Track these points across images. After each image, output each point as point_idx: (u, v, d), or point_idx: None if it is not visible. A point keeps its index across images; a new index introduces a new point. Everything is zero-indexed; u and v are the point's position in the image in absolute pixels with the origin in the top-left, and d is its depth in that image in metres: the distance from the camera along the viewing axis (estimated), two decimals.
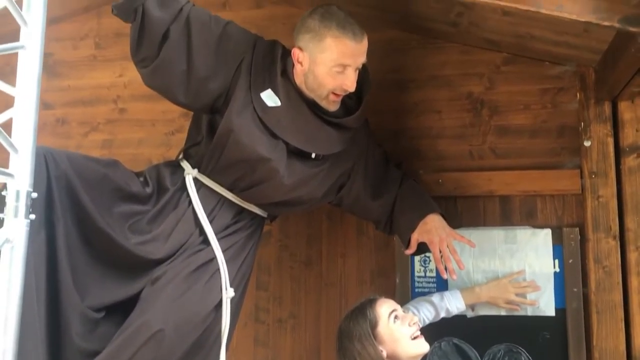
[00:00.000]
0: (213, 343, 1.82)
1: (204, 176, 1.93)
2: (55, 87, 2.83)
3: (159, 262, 1.80)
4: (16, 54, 1.38)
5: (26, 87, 1.37)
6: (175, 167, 1.99)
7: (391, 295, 2.20)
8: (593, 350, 2.12)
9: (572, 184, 2.25)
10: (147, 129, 2.74)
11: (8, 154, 1.33)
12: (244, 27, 1.99)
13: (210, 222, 1.88)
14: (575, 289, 2.18)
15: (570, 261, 2.20)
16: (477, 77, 2.44)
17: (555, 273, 2.21)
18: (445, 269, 2.03)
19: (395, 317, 1.78)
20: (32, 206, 1.34)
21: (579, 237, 2.21)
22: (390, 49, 2.52)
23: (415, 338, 1.77)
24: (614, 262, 2.13)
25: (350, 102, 2.01)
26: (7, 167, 1.33)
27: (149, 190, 1.89)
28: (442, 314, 2.09)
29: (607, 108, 2.21)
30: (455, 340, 2.24)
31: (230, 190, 1.93)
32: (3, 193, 1.32)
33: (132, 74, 2.14)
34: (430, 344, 1.83)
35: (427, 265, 2.34)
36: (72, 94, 2.84)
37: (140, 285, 1.77)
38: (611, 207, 2.16)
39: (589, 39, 1.98)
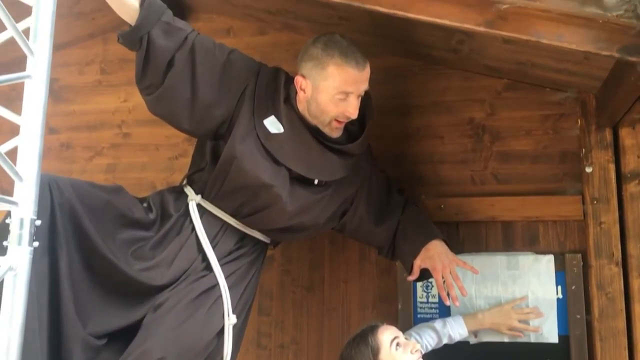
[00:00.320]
0: None
1: (207, 202, 1.94)
2: (60, 111, 2.86)
3: (161, 289, 1.80)
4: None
5: (32, 116, 1.38)
6: (178, 193, 2.00)
7: (393, 320, 2.20)
8: None
9: (574, 210, 2.25)
10: (151, 153, 2.76)
11: (11, 180, 1.34)
12: (248, 54, 2.01)
13: (213, 248, 1.88)
14: (578, 316, 2.17)
15: (573, 287, 2.19)
16: (479, 103, 2.45)
17: (558, 299, 2.20)
18: (448, 295, 2.03)
19: (397, 344, 1.77)
20: (36, 234, 1.35)
21: (582, 263, 2.21)
22: (393, 75, 2.54)
23: None
24: (617, 289, 2.12)
25: (353, 128, 2.03)
26: (10, 193, 1.34)
27: (152, 216, 1.89)
28: (445, 340, 2.08)
29: (608, 134, 2.22)
30: None
31: (234, 216, 1.94)
32: (7, 221, 1.33)
33: (137, 99, 2.16)
34: None
35: (429, 291, 2.34)
36: (77, 119, 2.87)
37: (142, 312, 1.77)
38: (613, 233, 2.16)
39: (590, 67, 2.00)
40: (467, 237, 2.37)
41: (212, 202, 1.94)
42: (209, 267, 1.86)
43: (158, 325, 1.72)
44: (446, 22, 1.75)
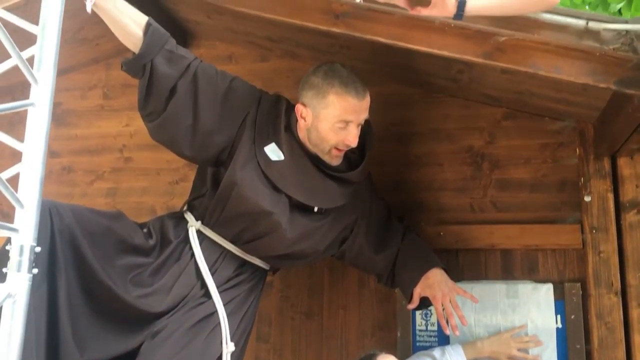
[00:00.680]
0: None
1: (207, 228, 1.95)
2: (62, 135, 2.88)
3: (159, 316, 1.79)
4: None
5: (34, 144, 1.39)
6: (179, 219, 2.00)
7: (392, 348, 2.20)
8: None
9: (573, 239, 2.25)
10: (152, 177, 2.77)
11: (12, 203, 1.35)
12: (249, 80, 2.04)
13: (213, 274, 1.88)
14: (578, 346, 2.16)
15: (573, 317, 2.18)
16: (478, 131, 2.47)
17: (557, 329, 2.19)
18: (448, 324, 2.02)
19: None
20: (35, 260, 1.35)
21: (581, 292, 2.20)
22: (393, 103, 2.57)
23: None
24: (617, 319, 2.11)
25: (353, 156, 2.04)
26: (10, 216, 1.34)
27: (152, 242, 1.90)
28: None
29: (606, 164, 2.23)
30: None
31: (233, 242, 1.95)
32: (7, 247, 1.33)
33: (139, 123, 2.18)
34: None
35: (428, 318, 2.33)
36: (79, 143, 2.88)
37: (140, 339, 1.76)
38: (612, 262, 2.15)
39: (588, 97, 2.02)
40: (466, 265, 2.37)
41: (212, 228, 1.94)
42: (207, 294, 1.86)
43: (156, 353, 1.72)
44: (445, 53, 1.78)
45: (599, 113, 2.13)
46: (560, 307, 2.21)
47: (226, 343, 1.83)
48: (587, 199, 2.22)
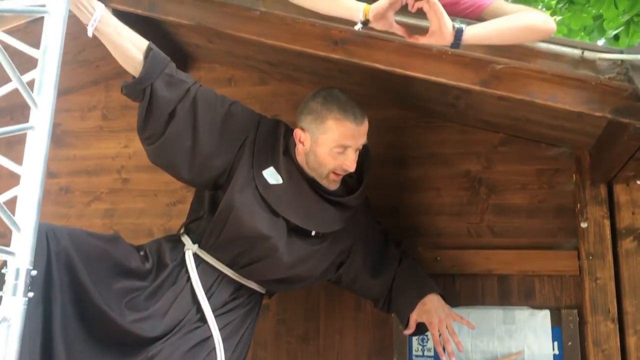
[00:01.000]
0: None
1: (204, 252, 1.94)
2: (61, 156, 2.88)
3: (154, 340, 1.77)
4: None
5: (32, 167, 1.39)
6: (175, 242, 2.00)
7: None
8: None
9: (570, 265, 2.26)
10: (149, 199, 2.78)
11: (6, 224, 1.34)
12: (248, 103, 2.05)
13: (209, 299, 1.88)
14: None
15: (570, 344, 2.18)
16: (475, 156, 2.48)
17: (554, 355, 2.18)
18: (444, 350, 2.01)
19: None
20: (31, 284, 1.35)
21: (578, 319, 2.20)
22: (391, 127, 2.58)
23: None
24: (613, 346, 2.11)
25: (351, 181, 2.04)
26: (6, 237, 1.34)
27: (148, 265, 1.89)
28: None
29: (602, 190, 2.24)
30: None
31: (230, 266, 1.94)
32: (3, 271, 1.33)
33: (137, 144, 2.18)
34: None
35: (425, 344, 2.32)
36: (77, 164, 2.89)
37: None
38: (609, 289, 2.16)
39: (584, 124, 2.03)
40: (463, 290, 2.37)
41: (208, 252, 1.94)
42: (203, 319, 1.85)
43: None
44: (442, 80, 1.80)
45: (595, 140, 2.15)
46: (557, 333, 2.20)
47: None
48: (583, 225, 2.23)
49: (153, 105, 1.82)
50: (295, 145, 1.95)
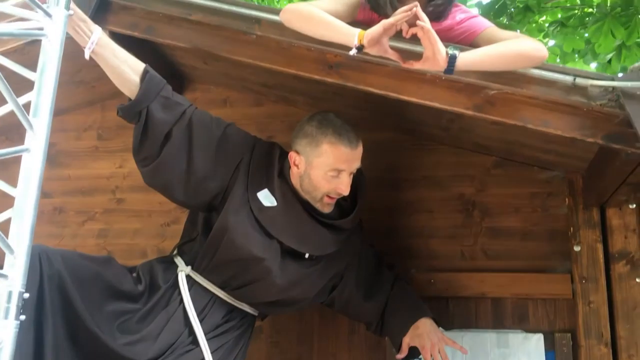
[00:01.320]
0: None
1: (196, 274, 1.94)
2: (55, 176, 2.87)
3: None
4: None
5: (27, 189, 1.39)
6: (168, 264, 2.00)
7: None
8: None
9: (563, 289, 2.26)
10: (144, 219, 2.77)
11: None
12: (244, 125, 2.07)
13: (201, 321, 1.87)
14: None
15: None
16: (469, 179, 2.49)
17: None
18: None
19: None
20: (23, 307, 1.34)
21: (572, 343, 2.20)
22: (385, 149, 2.59)
23: None
24: None
25: (345, 203, 2.05)
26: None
27: (140, 287, 1.88)
28: None
29: (595, 214, 2.25)
30: None
31: (223, 288, 1.94)
32: None
33: (132, 165, 2.18)
34: None
35: None
36: (72, 184, 2.88)
37: None
38: (602, 313, 2.16)
39: (576, 149, 2.05)
40: (457, 313, 2.37)
41: (201, 273, 1.93)
42: (195, 342, 1.84)
43: None
44: (436, 104, 1.82)
45: (587, 164, 2.17)
46: (551, 357, 2.20)
47: None
48: (576, 248, 2.24)
49: (149, 128, 1.83)
50: (290, 167, 1.95)
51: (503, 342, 2.24)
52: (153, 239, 2.73)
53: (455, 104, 1.80)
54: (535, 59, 1.68)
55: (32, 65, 1.47)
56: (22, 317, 1.33)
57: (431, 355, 2.00)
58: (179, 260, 1.99)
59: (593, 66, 5.58)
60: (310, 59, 1.93)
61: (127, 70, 1.79)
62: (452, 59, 1.58)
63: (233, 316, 1.97)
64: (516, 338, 2.24)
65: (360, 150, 1.90)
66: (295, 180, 1.95)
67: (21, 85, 1.44)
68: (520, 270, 2.34)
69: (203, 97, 2.80)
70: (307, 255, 1.97)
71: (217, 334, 1.90)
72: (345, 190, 1.89)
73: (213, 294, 1.93)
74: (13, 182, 1.40)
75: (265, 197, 1.93)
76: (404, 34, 1.64)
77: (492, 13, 4.48)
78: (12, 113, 1.40)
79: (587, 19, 4.60)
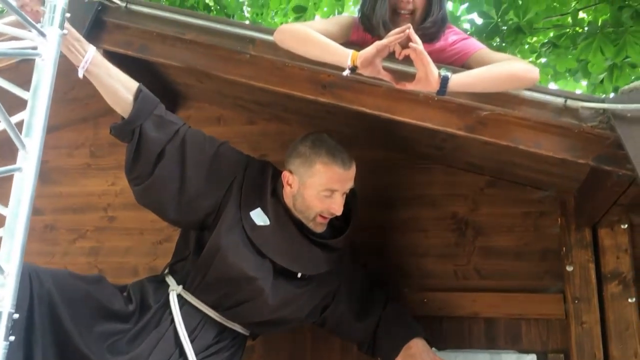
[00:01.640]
0: None
1: (188, 293, 1.93)
2: (47, 193, 2.86)
3: None
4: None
5: (18, 209, 1.38)
6: (159, 283, 1.98)
7: None
8: None
9: (556, 309, 2.25)
10: (135, 237, 2.76)
11: None
12: (237, 142, 2.07)
13: (192, 341, 1.85)
14: None
15: None
16: (462, 198, 2.50)
17: None
18: None
19: None
20: (12, 327, 1.33)
21: None
22: (378, 168, 2.60)
23: None
24: None
25: (338, 223, 2.05)
26: None
27: (131, 307, 1.87)
28: None
29: (587, 234, 2.25)
30: None
31: (214, 308, 1.92)
32: None
33: (125, 182, 2.17)
34: None
35: None
36: (63, 201, 2.87)
37: None
38: (595, 333, 2.15)
39: (568, 169, 2.06)
40: (449, 333, 2.35)
41: (193, 293, 1.92)
42: None
43: None
44: (429, 125, 1.83)
45: (579, 184, 2.17)
46: None
47: None
48: (569, 268, 2.23)
49: (142, 146, 1.82)
50: (283, 187, 1.96)
51: None
52: (145, 257, 2.71)
53: (447, 125, 1.81)
54: (527, 80, 1.69)
55: (27, 82, 1.47)
56: (12, 338, 1.31)
57: None
58: (170, 280, 1.97)
59: (584, 84, 5.63)
60: (303, 79, 1.94)
61: (120, 88, 1.80)
62: (444, 80, 1.59)
63: (224, 336, 1.95)
64: (509, 358, 2.23)
65: (353, 170, 1.91)
66: (288, 200, 1.95)
67: (13, 103, 1.44)
68: (513, 290, 2.34)
69: (197, 115, 2.81)
70: (299, 275, 1.96)
71: (208, 354, 1.88)
72: (338, 210, 1.89)
73: (204, 313, 1.92)
74: (4, 200, 1.40)
75: (258, 216, 1.93)
76: (396, 55, 1.65)
77: (485, 35, 4.51)
78: (3, 130, 1.40)
79: (578, 39, 4.65)
